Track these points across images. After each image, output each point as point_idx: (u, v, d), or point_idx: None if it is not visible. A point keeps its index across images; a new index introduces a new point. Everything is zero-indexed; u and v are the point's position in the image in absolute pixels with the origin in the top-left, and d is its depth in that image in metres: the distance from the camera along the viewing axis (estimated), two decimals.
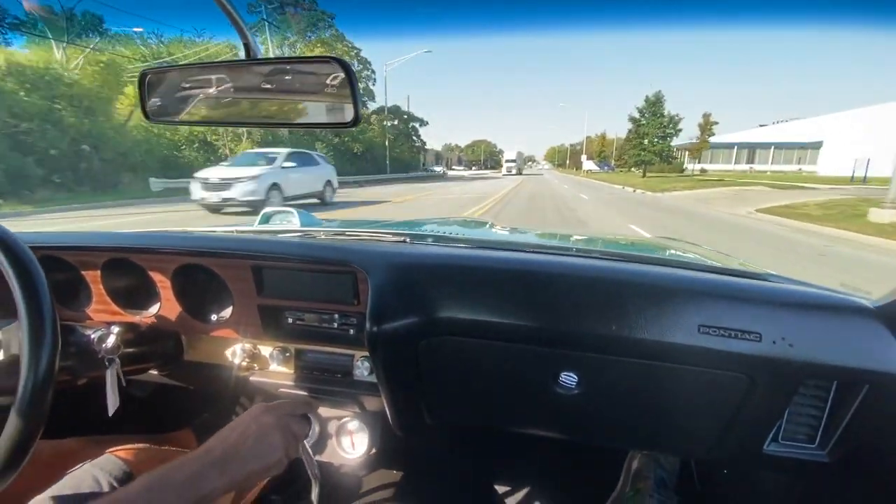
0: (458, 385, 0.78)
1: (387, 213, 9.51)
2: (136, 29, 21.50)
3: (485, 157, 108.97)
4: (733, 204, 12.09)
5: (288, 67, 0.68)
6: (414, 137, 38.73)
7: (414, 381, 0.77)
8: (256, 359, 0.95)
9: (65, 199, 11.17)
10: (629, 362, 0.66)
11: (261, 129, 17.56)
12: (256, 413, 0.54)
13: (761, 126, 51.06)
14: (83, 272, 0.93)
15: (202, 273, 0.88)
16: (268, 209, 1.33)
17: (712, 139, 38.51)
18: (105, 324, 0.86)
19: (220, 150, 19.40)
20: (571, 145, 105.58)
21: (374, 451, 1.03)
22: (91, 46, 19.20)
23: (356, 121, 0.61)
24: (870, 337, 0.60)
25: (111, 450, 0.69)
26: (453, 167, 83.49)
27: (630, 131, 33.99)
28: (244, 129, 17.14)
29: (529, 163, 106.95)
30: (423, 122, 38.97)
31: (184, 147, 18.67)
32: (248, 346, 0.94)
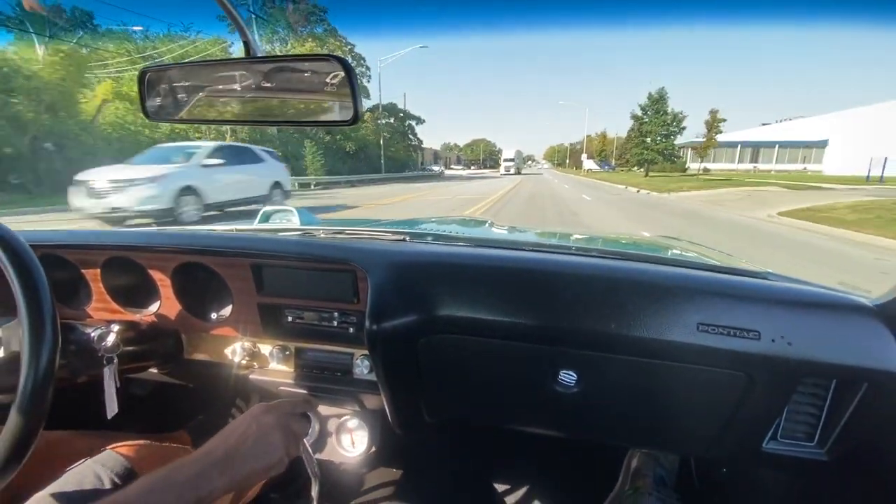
0: (457, 383, 0.78)
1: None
2: (135, 28, 20.95)
3: (484, 157, 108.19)
4: (749, 206, 11.14)
5: (287, 65, 0.67)
6: (410, 136, 37.71)
7: (413, 380, 0.77)
8: (256, 357, 0.94)
9: (23, 201, 10.21)
10: (628, 360, 0.66)
11: (246, 127, 16.78)
12: (257, 413, 0.54)
13: (764, 125, 50.34)
14: (83, 270, 0.93)
15: (202, 271, 0.88)
16: (267, 208, 1.31)
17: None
18: (105, 322, 0.87)
19: None
20: (571, 144, 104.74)
21: (373, 449, 1.00)
22: (74, 41, 18.46)
23: (356, 119, 0.61)
24: (869, 335, 0.60)
25: (112, 446, 0.69)
26: (452, 166, 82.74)
27: (632, 129, 32.94)
28: (227, 127, 16.27)
29: (529, 162, 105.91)
30: (419, 121, 37.95)
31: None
32: (247, 344, 0.93)
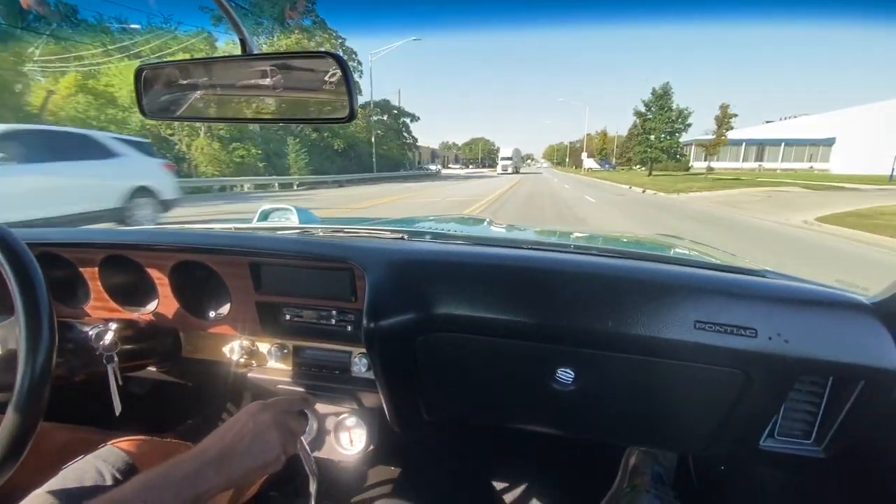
0: (455, 381, 0.78)
1: None
2: (132, 25, 19.90)
3: (483, 156, 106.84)
4: (774, 209, 9.89)
5: (282, 62, 0.66)
6: (405, 134, 36.31)
7: (411, 378, 0.77)
8: (254, 355, 0.94)
9: None
10: (625, 358, 0.65)
11: (225, 124, 15.65)
12: (254, 411, 0.54)
13: (767, 122, 49.24)
14: (81, 269, 0.92)
15: (200, 270, 0.88)
16: (266, 206, 1.31)
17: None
18: (103, 321, 0.87)
19: (176, 147, 17.07)
20: (571, 143, 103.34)
21: (371, 447, 0.97)
22: (47, 33, 17.35)
23: (352, 116, 0.61)
24: (866, 333, 0.60)
25: (113, 441, 0.68)
26: (450, 165, 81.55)
27: (635, 126, 31.53)
28: (201, 123, 15.13)
29: (528, 161, 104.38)
30: (414, 118, 36.54)
31: None
32: (246, 342, 0.93)
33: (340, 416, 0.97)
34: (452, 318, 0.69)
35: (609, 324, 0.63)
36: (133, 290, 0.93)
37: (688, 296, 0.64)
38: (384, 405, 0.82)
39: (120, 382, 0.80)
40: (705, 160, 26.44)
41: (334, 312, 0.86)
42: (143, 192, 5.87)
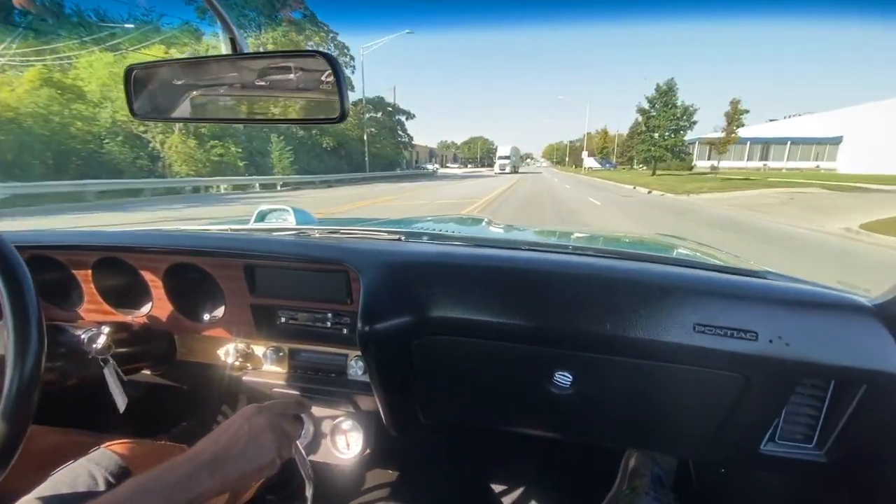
0: (452, 385, 0.77)
1: None
2: (126, 25, 18.98)
3: (481, 155, 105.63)
4: (801, 213, 8.82)
5: (272, 62, 0.65)
6: (400, 132, 35.14)
7: (407, 381, 0.76)
8: (250, 358, 0.93)
9: None
10: (624, 362, 0.64)
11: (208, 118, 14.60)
12: (248, 414, 0.53)
13: (771, 121, 48.23)
14: (74, 271, 0.91)
15: (194, 272, 0.87)
16: (263, 207, 1.29)
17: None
18: (96, 324, 0.85)
19: (150, 145, 15.93)
20: (571, 142, 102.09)
21: (368, 451, 0.97)
22: (23, 25, 16.42)
23: (343, 116, 0.60)
24: (868, 336, 0.59)
25: (107, 444, 0.68)
26: (447, 165, 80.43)
27: (638, 124, 30.27)
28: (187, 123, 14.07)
29: (527, 160, 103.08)
30: (409, 116, 35.36)
31: (106, 140, 15.13)
32: (241, 345, 0.92)
33: (337, 420, 0.96)
34: (448, 321, 0.68)
35: (607, 327, 0.62)
36: (127, 293, 0.92)
37: (687, 298, 0.62)
38: (380, 409, 0.80)
39: (125, 379, 0.80)
40: (709, 159, 25.27)
41: (330, 315, 0.85)
42: None
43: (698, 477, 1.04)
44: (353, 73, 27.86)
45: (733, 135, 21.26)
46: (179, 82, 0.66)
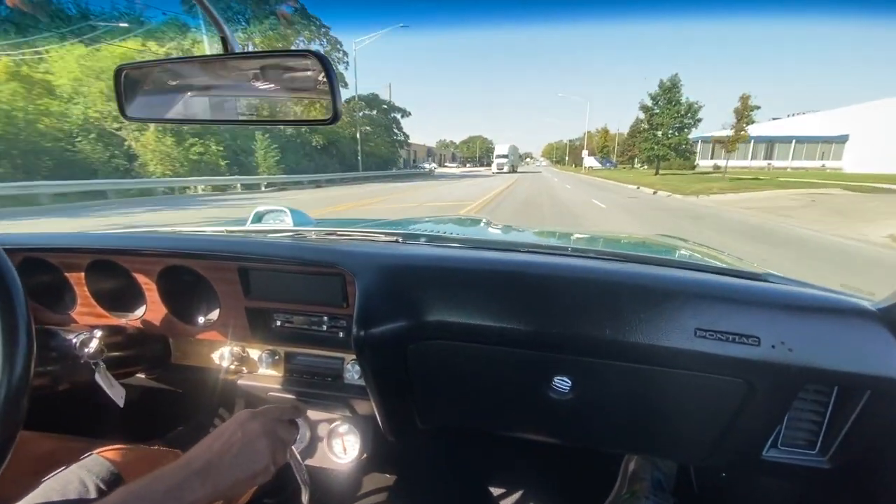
0: (449, 390, 0.76)
1: None
2: (121, 24, 18.12)
3: (480, 154, 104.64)
4: (834, 218, 7.92)
5: (263, 61, 0.64)
6: (395, 130, 34.12)
7: (404, 386, 0.75)
8: (245, 362, 0.92)
9: None
10: (624, 367, 0.64)
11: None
12: (242, 420, 0.52)
13: (774, 119, 47.40)
14: (67, 274, 0.91)
15: (188, 275, 0.86)
16: (260, 208, 1.27)
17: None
18: (88, 327, 0.84)
19: (126, 143, 14.96)
20: (570, 141, 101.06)
21: (365, 455, 0.97)
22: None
23: (335, 118, 0.59)
24: (872, 340, 0.58)
25: (99, 450, 0.67)
26: (446, 164, 79.44)
27: (641, 121, 29.32)
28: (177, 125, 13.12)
29: (526, 159, 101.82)
30: (405, 113, 34.28)
31: (79, 138, 14.17)
32: (236, 349, 0.91)
33: (333, 424, 0.95)
34: (445, 326, 0.67)
35: (607, 331, 0.62)
36: (120, 296, 0.91)
37: (688, 302, 0.62)
38: (376, 413, 0.79)
39: (114, 385, 0.79)
40: (712, 158, 24.23)
41: (326, 318, 0.84)
42: None
43: (699, 481, 1.02)
44: (346, 69, 26.88)
45: (743, 132, 20.07)
46: (170, 82, 0.65)
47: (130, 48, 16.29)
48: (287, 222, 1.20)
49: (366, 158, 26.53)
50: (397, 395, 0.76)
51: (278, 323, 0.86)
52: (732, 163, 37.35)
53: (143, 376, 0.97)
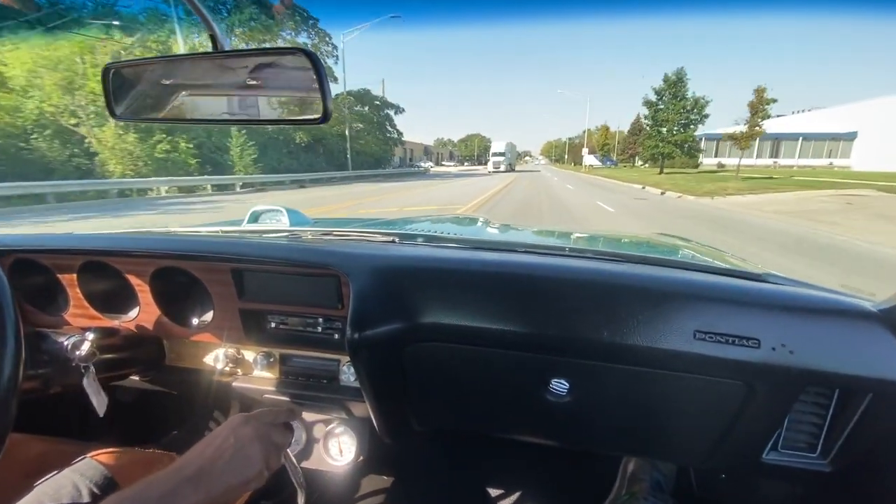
0: (446, 392, 0.76)
1: None
2: (114, 22, 16.91)
3: (478, 152, 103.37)
4: (885, 225, 6.70)
5: (251, 59, 0.64)
6: (388, 127, 32.81)
7: (399, 388, 0.75)
8: (240, 364, 0.92)
9: None
10: (622, 369, 0.63)
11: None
12: (235, 424, 0.52)
13: (779, 116, 46.28)
14: (59, 275, 0.90)
15: (181, 276, 0.85)
16: (256, 207, 1.28)
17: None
18: (80, 330, 0.84)
19: (86, 140, 13.67)
20: (570, 139, 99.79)
21: (361, 457, 0.96)
22: None
23: (326, 117, 0.58)
24: (873, 343, 0.57)
25: (92, 454, 0.67)
26: (443, 162, 78.11)
27: (645, 117, 27.98)
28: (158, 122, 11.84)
29: (525, 158, 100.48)
30: (398, 110, 32.91)
31: (34, 135, 12.89)
32: (230, 350, 0.90)
33: (329, 426, 0.95)
34: (441, 328, 0.67)
35: (605, 333, 0.61)
36: (113, 297, 0.91)
37: (687, 303, 0.61)
38: (372, 415, 0.79)
39: (102, 394, 0.79)
40: (716, 156, 22.93)
41: (321, 320, 0.83)
42: None
43: (698, 482, 1.00)
44: (335, 62, 25.56)
45: (758, 128, 18.72)
46: (158, 80, 0.65)
47: (92, 37, 14.97)
48: (283, 222, 1.20)
49: (356, 157, 25.24)
50: (393, 397, 0.75)
51: (273, 325, 0.85)
52: (735, 160, 36.30)
53: (137, 378, 0.97)
